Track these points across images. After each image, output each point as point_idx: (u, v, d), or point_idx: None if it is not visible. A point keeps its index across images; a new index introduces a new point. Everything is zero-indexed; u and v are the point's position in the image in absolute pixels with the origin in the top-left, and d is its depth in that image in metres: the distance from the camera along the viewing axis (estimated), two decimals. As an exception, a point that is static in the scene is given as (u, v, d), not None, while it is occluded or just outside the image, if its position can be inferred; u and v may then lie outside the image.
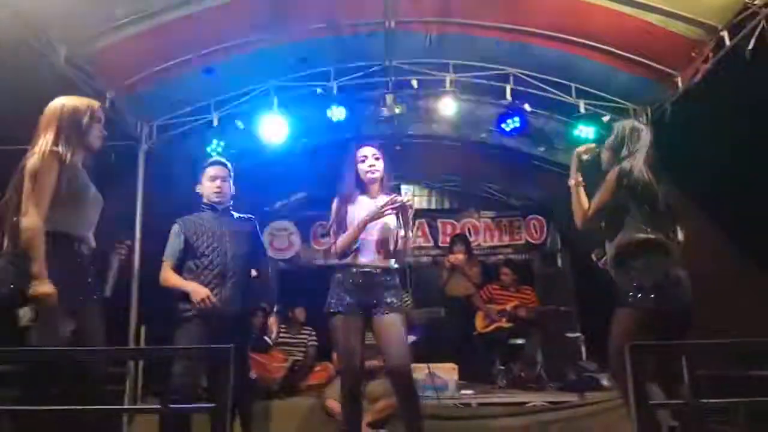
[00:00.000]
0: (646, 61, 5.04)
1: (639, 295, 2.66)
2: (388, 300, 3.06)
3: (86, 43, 4.45)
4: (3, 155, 5.14)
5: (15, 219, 2.28)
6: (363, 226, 3.07)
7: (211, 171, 3.49)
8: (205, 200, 3.49)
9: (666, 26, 4.55)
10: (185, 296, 3.20)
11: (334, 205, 3.23)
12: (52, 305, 2.16)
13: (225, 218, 3.48)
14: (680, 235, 2.90)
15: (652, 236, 2.74)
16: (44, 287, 2.17)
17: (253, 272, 3.54)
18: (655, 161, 2.88)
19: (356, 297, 3.06)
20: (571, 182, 3.05)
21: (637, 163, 2.82)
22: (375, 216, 3.06)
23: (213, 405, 1.33)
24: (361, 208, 3.18)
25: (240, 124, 5.85)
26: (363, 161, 3.21)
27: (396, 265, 3.18)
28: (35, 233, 2.22)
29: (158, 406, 1.19)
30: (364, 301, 3.06)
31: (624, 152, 2.90)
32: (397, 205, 3.06)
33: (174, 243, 3.39)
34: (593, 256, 3.16)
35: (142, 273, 5.19)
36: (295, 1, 4.70)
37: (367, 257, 3.11)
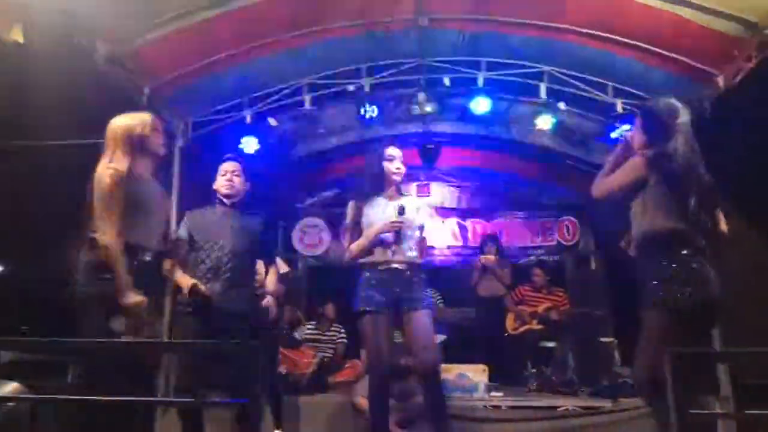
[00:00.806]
0: (684, 59, 4.89)
1: (662, 294, 2.44)
2: (417, 296, 3.06)
3: (125, 41, 4.55)
4: (49, 149, 5.31)
5: (91, 230, 2.45)
6: (374, 237, 3.12)
7: (224, 166, 3.48)
8: (218, 195, 3.49)
9: (704, 23, 4.41)
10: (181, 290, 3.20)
11: (352, 205, 3.24)
12: (139, 314, 2.30)
13: (231, 213, 3.40)
14: (722, 225, 2.65)
15: (682, 226, 2.48)
16: (131, 298, 2.33)
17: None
18: (695, 145, 2.60)
19: (384, 294, 3.05)
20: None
21: (679, 146, 2.52)
22: (386, 229, 3.11)
23: (245, 400, 1.34)
24: (378, 210, 3.19)
25: (273, 121, 5.91)
26: (391, 161, 3.22)
27: (420, 260, 3.18)
28: (112, 251, 2.38)
29: (191, 400, 1.20)
30: (392, 298, 3.05)
31: (659, 133, 2.60)
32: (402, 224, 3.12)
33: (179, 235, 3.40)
34: (622, 244, 2.91)
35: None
36: (328, -1, 4.71)
37: (393, 254, 3.11)
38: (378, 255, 3.13)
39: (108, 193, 2.44)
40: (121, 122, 2.66)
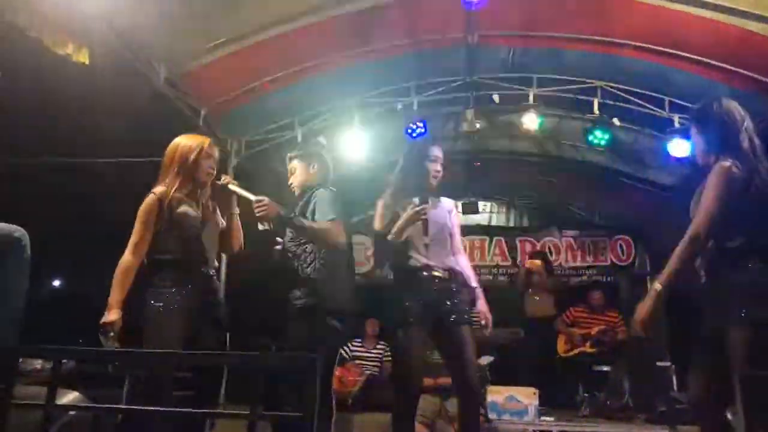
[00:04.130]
0: (747, 73, 4.70)
1: (750, 310, 2.15)
2: (458, 309, 2.81)
3: (183, 63, 4.73)
4: (108, 167, 5.52)
5: None
6: (401, 233, 2.82)
7: None
8: None
9: (768, 35, 4.24)
10: None
11: (383, 205, 2.99)
12: (110, 333, 2.35)
13: None
14: None
15: (764, 240, 2.21)
16: (108, 317, 2.39)
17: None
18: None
19: (422, 306, 2.77)
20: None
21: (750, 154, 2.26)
22: (411, 219, 2.80)
23: (299, 414, 1.33)
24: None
25: (322, 140, 5.99)
26: (434, 161, 3.01)
27: (458, 268, 2.93)
28: (120, 269, 2.48)
29: (246, 413, 1.20)
30: (430, 309, 2.78)
31: (723, 139, 2.33)
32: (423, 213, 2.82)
33: None
34: (697, 265, 2.49)
35: (227, 284, 5.40)
36: (378, 18, 4.77)
37: (433, 257, 2.85)
38: (411, 260, 2.85)
39: (141, 215, 2.55)
40: (182, 142, 2.73)
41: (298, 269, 2.78)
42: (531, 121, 5.66)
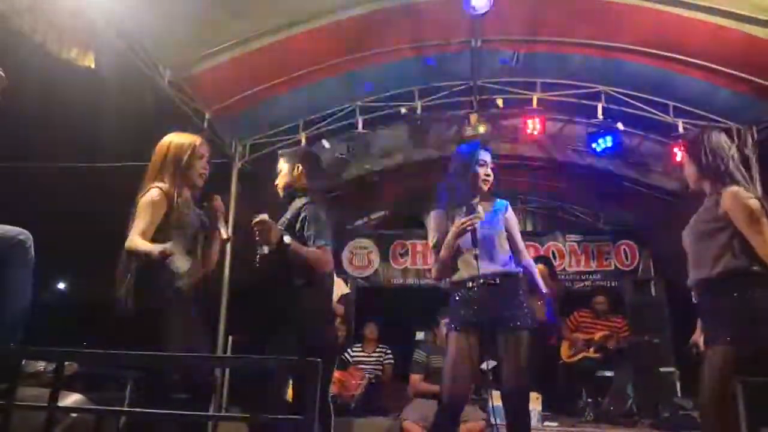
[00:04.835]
0: (750, 77, 4.69)
1: (745, 330, 2.24)
2: (515, 314, 2.72)
3: (188, 66, 4.75)
4: (112, 170, 5.55)
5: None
6: (453, 247, 2.79)
7: None
8: None
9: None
10: None
11: (436, 217, 2.93)
12: (161, 259, 2.28)
13: None
14: None
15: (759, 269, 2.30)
16: (159, 247, 2.29)
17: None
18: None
19: (475, 312, 2.73)
20: None
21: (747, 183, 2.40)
22: (458, 233, 2.76)
23: (300, 417, 1.33)
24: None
25: (326, 143, 6.01)
26: (484, 165, 2.95)
27: (517, 270, 2.86)
28: (131, 247, 2.37)
29: (247, 415, 1.20)
30: (484, 317, 2.71)
31: (716, 169, 2.45)
32: (472, 222, 2.77)
33: None
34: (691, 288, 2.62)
35: (231, 286, 5.41)
36: (382, 23, 4.78)
37: (484, 266, 2.76)
38: (464, 270, 2.80)
39: (148, 205, 2.44)
40: (174, 140, 2.67)
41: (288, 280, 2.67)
42: (536, 126, 5.67)
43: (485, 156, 3.00)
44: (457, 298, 2.83)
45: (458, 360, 2.73)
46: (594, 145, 5.78)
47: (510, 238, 2.95)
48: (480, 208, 2.85)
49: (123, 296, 2.37)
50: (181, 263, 2.48)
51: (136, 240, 2.36)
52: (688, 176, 2.60)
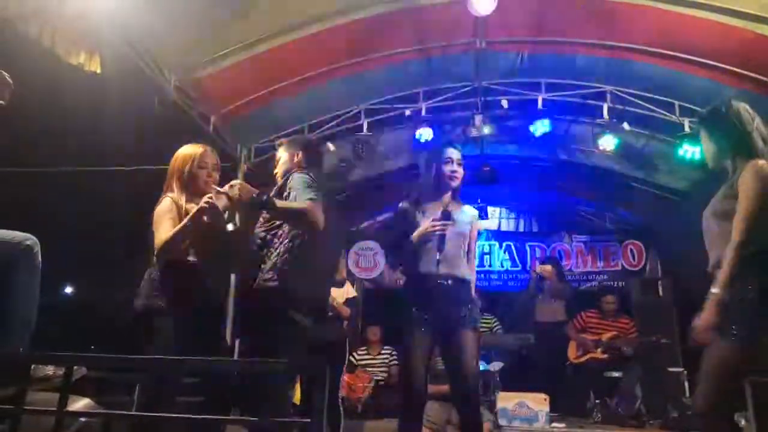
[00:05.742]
0: (756, 75, 4.66)
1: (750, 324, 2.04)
2: (463, 315, 2.80)
3: (193, 70, 4.77)
4: (119, 174, 5.57)
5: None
6: (417, 242, 2.84)
7: None
8: None
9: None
10: None
11: (401, 210, 2.97)
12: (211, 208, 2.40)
13: None
14: None
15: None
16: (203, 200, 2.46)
17: None
18: None
19: (427, 312, 2.78)
20: None
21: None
22: (427, 233, 2.82)
23: (307, 420, 1.33)
24: (429, 219, 2.88)
25: (331, 146, 6.01)
26: (447, 163, 2.97)
27: (470, 277, 2.94)
28: (160, 247, 2.47)
29: (255, 418, 1.20)
30: (436, 316, 2.78)
31: (736, 142, 2.23)
32: (442, 229, 2.83)
33: None
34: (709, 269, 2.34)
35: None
36: (387, 24, 4.78)
37: (440, 267, 2.83)
38: (422, 267, 2.84)
39: (164, 213, 2.54)
40: (183, 151, 2.76)
41: (265, 256, 2.58)
42: (541, 127, 5.66)
43: (452, 153, 3.01)
44: (411, 292, 2.88)
45: (415, 357, 2.76)
46: (600, 145, 5.76)
47: (468, 248, 3.00)
48: (455, 217, 2.91)
49: (145, 299, 2.46)
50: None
51: (164, 235, 2.47)
52: (707, 153, 2.39)
